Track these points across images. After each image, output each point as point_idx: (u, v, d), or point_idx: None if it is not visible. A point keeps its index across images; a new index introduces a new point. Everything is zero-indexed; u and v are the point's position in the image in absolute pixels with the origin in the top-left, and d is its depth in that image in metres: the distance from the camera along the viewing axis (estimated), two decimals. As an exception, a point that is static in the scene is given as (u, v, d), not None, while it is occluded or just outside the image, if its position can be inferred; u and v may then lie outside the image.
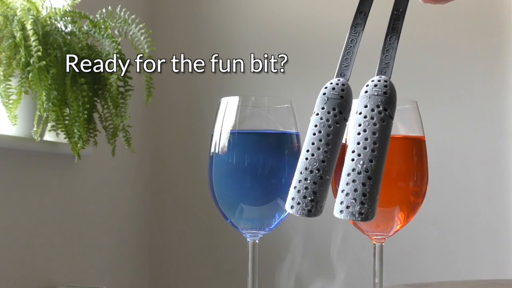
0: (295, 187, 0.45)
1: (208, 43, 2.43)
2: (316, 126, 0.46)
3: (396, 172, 0.68)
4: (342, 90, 0.46)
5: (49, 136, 1.76)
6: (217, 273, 2.37)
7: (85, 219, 2.01)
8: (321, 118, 0.46)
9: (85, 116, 1.63)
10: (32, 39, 1.50)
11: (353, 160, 0.43)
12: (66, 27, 1.67)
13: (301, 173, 0.44)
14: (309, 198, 0.44)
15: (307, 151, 0.45)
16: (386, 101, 0.45)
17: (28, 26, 1.50)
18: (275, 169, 0.67)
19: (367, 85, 0.46)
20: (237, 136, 0.68)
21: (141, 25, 1.71)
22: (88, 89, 1.64)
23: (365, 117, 0.44)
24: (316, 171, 0.44)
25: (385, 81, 0.45)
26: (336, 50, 2.14)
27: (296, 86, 2.27)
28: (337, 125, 0.45)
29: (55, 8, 1.65)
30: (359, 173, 0.43)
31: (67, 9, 1.65)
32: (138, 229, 2.36)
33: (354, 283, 2.23)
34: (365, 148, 0.43)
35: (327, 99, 0.46)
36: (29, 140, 1.63)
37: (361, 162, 0.43)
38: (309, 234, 2.29)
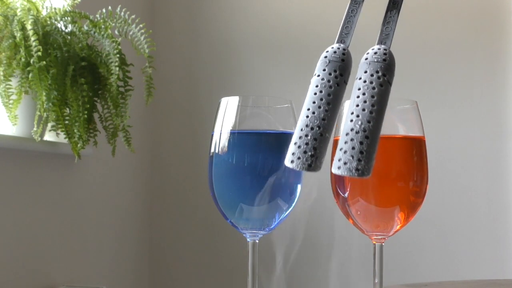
0: (295, 143, 0.46)
1: (208, 43, 2.43)
2: (317, 86, 0.47)
3: (396, 172, 0.68)
4: (343, 54, 0.49)
5: (49, 136, 1.76)
6: (217, 273, 2.37)
7: (85, 219, 2.01)
8: (322, 79, 0.48)
9: (85, 116, 1.63)
10: (32, 39, 1.50)
11: (351, 121, 0.45)
12: (66, 27, 1.67)
13: (301, 130, 0.46)
14: (309, 153, 0.46)
15: (308, 109, 0.47)
16: (385, 68, 0.47)
17: (28, 26, 1.51)
18: (275, 169, 0.67)
19: (368, 53, 0.48)
20: (237, 136, 0.68)
21: (141, 25, 1.71)
22: (88, 89, 1.64)
23: (365, 81, 0.47)
24: (317, 128, 0.46)
25: (385, 49, 0.48)
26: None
27: (296, 86, 2.27)
28: (337, 86, 0.47)
29: (55, 8, 1.65)
30: (357, 132, 0.45)
31: (67, 9, 1.65)
32: (138, 229, 2.36)
33: (354, 283, 2.23)
34: (363, 110, 0.46)
35: (329, 62, 0.48)
36: (29, 140, 1.63)
37: (359, 123, 0.45)
38: (309, 234, 2.29)
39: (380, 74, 0.47)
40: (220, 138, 0.68)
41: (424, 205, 0.70)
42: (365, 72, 0.47)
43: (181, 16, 2.47)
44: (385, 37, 0.50)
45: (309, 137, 0.46)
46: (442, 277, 2.15)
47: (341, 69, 0.48)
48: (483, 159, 2.19)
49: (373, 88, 0.46)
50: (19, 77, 1.55)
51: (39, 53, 1.49)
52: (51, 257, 1.84)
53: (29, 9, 1.56)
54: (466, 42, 2.23)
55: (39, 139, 1.60)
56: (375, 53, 0.48)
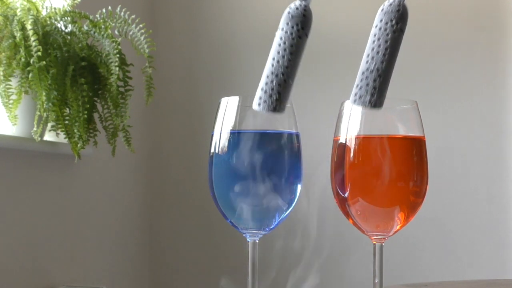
0: (262, 89, 0.53)
1: (208, 43, 2.43)
2: (281, 38, 0.53)
3: (396, 172, 0.68)
4: (304, 10, 0.53)
5: (49, 136, 1.76)
6: (217, 273, 2.37)
7: (85, 219, 2.01)
8: (286, 32, 0.53)
9: (85, 116, 1.62)
10: (32, 39, 1.50)
11: (367, 62, 0.53)
12: (66, 27, 1.67)
13: (267, 77, 0.52)
14: (275, 97, 0.52)
15: (273, 59, 0.53)
16: (399, 17, 0.53)
17: (28, 26, 1.50)
18: (275, 169, 0.67)
19: (384, 4, 0.54)
20: (237, 136, 0.68)
21: (141, 25, 1.71)
22: (88, 89, 1.64)
23: (380, 29, 0.53)
24: (281, 75, 0.52)
25: (399, 1, 0.53)
26: (337, 50, 2.15)
27: (296, 86, 2.27)
28: (299, 38, 0.53)
29: (55, 8, 1.65)
30: (371, 72, 0.52)
31: (67, 9, 1.65)
32: (138, 229, 2.36)
33: (354, 283, 2.23)
34: (378, 52, 0.52)
35: (292, 17, 0.53)
36: (29, 140, 1.63)
37: (374, 64, 0.52)
38: (309, 234, 2.29)
39: (393, 22, 0.52)
40: (220, 138, 0.68)
41: (424, 205, 0.70)
42: (381, 21, 0.53)
43: (181, 16, 2.47)
44: None
45: (274, 83, 0.52)
46: (442, 277, 2.15)
47: (302, 23, 0.53)
48: (483, 159, 2.19)
49: (387, 34, 0.52)
50: (19, 77, 1.55)
51: (39, 53, 1.49)
52: (51, 257, 1.84)
53: (29, 9, 1.56)
54: (466, 42, 2.23)
55: (39, 139, 1.60)
56: (390, 4, 0.54)
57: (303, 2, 0.54)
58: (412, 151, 0.70)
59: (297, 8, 0.53)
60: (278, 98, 0.52)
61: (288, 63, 0.52)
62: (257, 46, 2.36)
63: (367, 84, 0.52)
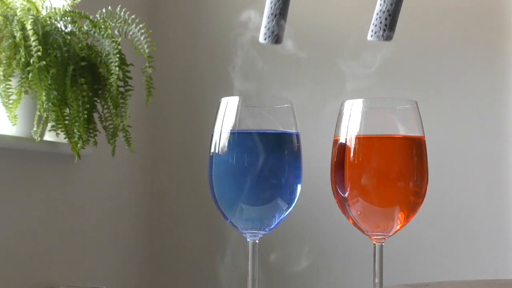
0: (265, 26, 0.70)
1: (208, 43, 2.43)
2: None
3: (396, 172, 0.68)
4: None
5: (49, 136, 1.76)
6: (217, 273, 2.37)
7: (85, 219, 2.01)
8: (268, 20, 0.68)
9: (85, 116, 1.63)
10: (32, 39, 1.50)
11: (380, 5, 0.65)
12: (66, 27, 1.67)
13: (268, 17, 0.68)
14: (275, 33, 0.68)
15: (271, 2, 0.68)
16: None
17: (28, 26, 1.50)
18: (275, 169, 0.67)
19: None
20: (237, 136, 0.68)
21: (141, 25, 1.71)
22: (88, 89, 1.64)
23: (380, 4, 0.65)
24: (279, 15, 0.67)
25: None
26: (336, 50, 2.15)
27: (296, 86, 2.27)
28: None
29: (55, 8, 1.65)
30: (383, 12, 0.64)
31: (67, 9, 1.65)
32: (138, 229, 2.36)
33: (354, 283, 2.24)
34: None
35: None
36: (29, 140, 1.63)
37: (385, 6, 0.64)
38: (309, 234, 2.29)
39: None
40: (220, 138, 0.68)
41: (424, 205, 0.70)
42: None
43: (181, 16, 2.47)
44: None
45: (274, 22, 0.67)
46: (442, 277, 2.15)
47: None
48: (483, 159, 2.19)
49: (388, 9, 0.64)
50: (19, 77, 1.55)
51: (39, 53, 1.49)
52: (51, 257, 1.84)
53: (29, 9, 1.56)
54: (466, 42, 2.23)
55: (39, 139, 1.60)
56: None
57: None
58: (412, 151, 0.70)
59: None
60: (277, 34, 0.66)
61: (282, 5, 0.66)
62: (257, 46, 2.35)
63: (380, 23, 0.64)
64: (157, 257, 2.42)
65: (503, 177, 2.17)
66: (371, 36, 0.65)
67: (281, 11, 0.66)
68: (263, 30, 0.68)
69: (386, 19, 0.64)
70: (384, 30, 0.64)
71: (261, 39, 0.66)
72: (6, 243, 1.65)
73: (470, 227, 2.18)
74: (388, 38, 0.64)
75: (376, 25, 0.65)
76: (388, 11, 0.64)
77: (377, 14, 0.65)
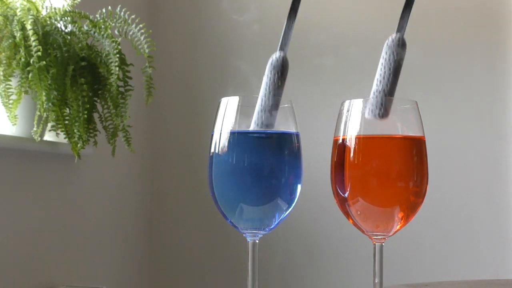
0: (254, 121, 0.68)
1: (208, 43, 2.43)
2: (266, 83, 0.70)
3: (396, 172, 0.68)
4: (283, 60, 0.70)
5: (49, 136, 1.76)
6: (217, 273, 2.37)
7: (85, 219, 2.01)
8: (269, 79, 0.69)
9: (85, 116, 1.62)
10: (32, 39, 1.50)
11: (376, 85, 0.69)
12: (66, 27, 1.67)
13: (258, 113, 0.68)
14: (264, 127, 0.69)
15: (263, 97, 0.69)
16: (399, 50, 0.69)
17: (28, 26, 1.50)
18: (275, 169, 0.67)
19: (388, 40, 0.70)
20: (237, 136, 0.68)
21: (141, 25, 1.71)
22: (88, 89, 1.64)
23: (385, 59, 0.69)
24: (268, 111, 0.69)
25: (399, 37, 0.70)
26: (336, 50, 2.14)
27: (296, 86, 2.27)
28: (279, 83, 0.69)
29: (55, 8, 1.65)
30: (379, 92, 0.69)
31: (67, 9, 1.65)
32: (138, 229, 2.36)
33: (354, 283, 2.24)
34: (384, 78, 0.69)
35: (273, 67, 0.70)
36: (29, 140, 1.63)
37: (381, 86, 0.69)
38: (309, 234, 2.29)
39: (395, 54, 0.69)
40: (220, 138, 0.68)
41: (424, 205, 0.70)
42: (386, 53, 0.69)
43: (181, 16, 2.47)
44: (400, 28, 0.70)
45: (263, 118, 0.67)
46: (442, 277, 2.15)
47: (281, 72, 0.69)
48: (483, 159, 2.19)
49: (390, 64, 0.68)
50: (19, 77, 1.55)
51: (39, 53, 1.49)
52: (51, 257, 1.84)
53: (29, 9, 1.56)
54: (466, 42, 2.23)
55: (39, 139, 1.60)
56: (393, 40, 0.70)
57: (282, 53, 0.71)
58: (412, 151, 0.70)
59: (277, 60, 0.70)
60: (265, 127, 0.68)
61: (272, 99, 0.68)
62: (257, 46, 2.36)
63: (377, 102, 0.68)
64: (157, 257, 2.42)
65: (503, 177, 2.17)
66: (368, 114, 0.69)
67: (271, 107, 0.68)
68: (252, 126, 0.68)
69: (382, 98, 0.68)
70: (380, 109, 0.68)
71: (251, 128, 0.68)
72: (6, 243, 1.65)
73: (470, 227, 2.18)
74: (385, 116, 0.68)
75: (373, 104, 0.69)
76: (384, 91, 0.68)
77: (374, 93, 0.69)
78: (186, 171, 2.41)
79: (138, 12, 1.92)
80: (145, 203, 2.40)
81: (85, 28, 1.69)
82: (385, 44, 0.70)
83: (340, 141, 0.70)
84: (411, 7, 0.73)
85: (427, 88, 2.23)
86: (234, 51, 2.40)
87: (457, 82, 2.24)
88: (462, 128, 2.21)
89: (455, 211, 2.19)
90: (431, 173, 0.70)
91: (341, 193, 0.69)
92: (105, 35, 1.66)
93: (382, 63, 0.69)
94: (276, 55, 0.70)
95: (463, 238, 2.18)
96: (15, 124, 1.54)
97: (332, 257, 2.27)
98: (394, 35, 0.70)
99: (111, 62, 1.64)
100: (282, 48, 0.71)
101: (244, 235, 0.69)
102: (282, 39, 0.72)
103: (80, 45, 1.65)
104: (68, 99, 1.61)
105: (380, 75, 0.69)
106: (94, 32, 1.67)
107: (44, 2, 1.66)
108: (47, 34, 1.59)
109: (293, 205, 0.69)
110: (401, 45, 0.69)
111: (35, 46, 1.49)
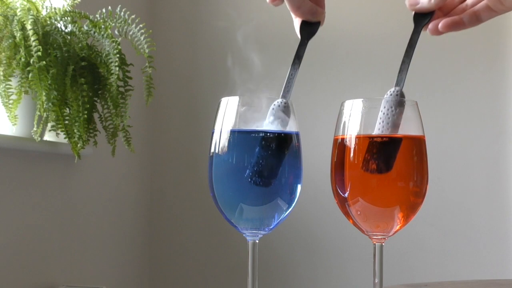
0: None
1: (208, 43, 2.43)
2: (269, 129, 0.69)
3: (396, 172, 0.68)
4: (285, 107, 0.69)
5: (49, 136, 1.76)
6: (217, 273, 2.37)
7: (85, 219, 2.01)
8: (272, 124, 0.68)
9: (85, 116, 1.62)
10: (32, 39, 1.50)
11: (383, 113, 0.69)
12: (66, 27, 1.67)
13: (257, 156, 0.66)
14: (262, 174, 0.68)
15: (261, 142, 0.67)
16: (397, 104, 0.69)
17: (28, 26, 1.50)
18: (275, 169, 0.67)
19: (387, 94, 0.70)
20: (237, 136, 0.68)
21: (141, 25, 1.71)
22: (88, 89, 1.64)
23: (384, 113, 0.68)
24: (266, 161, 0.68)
25: (397, 91, 0.70)
26: (336, 50, 2.15)
27: (296, 86, 2.27)
28: (281, 127, 0.68)
29: (55, 8, 1.65)
30: (386, 122, 0.68)
31: (67, 9, 1.65)
32: (138, 229, 2.36)
33: (354, 283, 2.24)
34: (383, 132, 0.68)
35: (275, 112, 0.68)
36: (29, 140, 1.63)
37: (388, 116, 0.68)
38: (309, 234, 2.29)
39: (393, 108, 0.68)
40: (220, 138, 0.68)
41: (424, 205, 0.70)
42: (385, 107, 0.68)
43: (181, 16, 2.47)
44: (399, 81, 0.70)
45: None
46: (442, 277, 2.15)
47: (282, 118, 0.68)
48: (483, 159, 2.19)
49: (389, 117, 0.68)
50: (19, 77, 1.55)
51: (39, 53, 1.49)
52: (51, 257, 1.84)
53: (29, 9, 1.56)
54: (466, 42, 2.23)
55: (39, 139, 1.60)
56: (391, 94, 0.69)
57: (284, 100, 0.69)
58: (412, 151, 0.70)
59: (279, 105, 0.68)
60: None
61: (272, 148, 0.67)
62: (257, 46, 2.35)
63: (383, 129, 0.68)
64: (157, 257, 2.42)
65: (503, 177, 2.17)
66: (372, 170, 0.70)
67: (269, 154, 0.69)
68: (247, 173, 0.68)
69: (388, 129, 0.68)
70: (383, 163, 0.68)
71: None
72: (6, 243, 1.65)
73: (470, 227, 2.18)
74: (386, 171, 0.69)
75: (379, 129, 0.69)
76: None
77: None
78: (186, 171, 2.41)
79: (138, 12, 1.92)
80: (145, 203, 2.40)
81: (85, 28, 1.69)
82: (384, 98, 0.69)
83: (340, 141, 0.70)
84: (410, 61, 0.75)
85: (427, 88, 2.23)
86: (234, 51, 2.40)
87: (457, 82, 2.24)
88: (462, 128, 2.21)
89: (455, 211, 2.19)
90: (431, 173, 0.70)
91: (341, 193, 0.69)
92: (105, 35, 1.66)
93: (381, 117, 0.69)
94: (278, 101, 0.69)
95: (463, 238, 2.17)
96: (15, 124, 1.54)
97: (332, 257, 2.27)
98: (392, 89, 0.70)
99: (111, 62, 1.64)
100: (284, 96, 0.70)
101: (244, 235, 0.69)
102: (285, 87, 0.72)
103: (80, 45, 1.65)
104: (68, 99, 1.61)
105: (379, 129, 0.68)
106: (94, 32, 1.67)
107: (44, 2, 1.66)
108: (47, 34, 1.59)
109: (293, 205, 0.69)
110: (399, 98, 0.69)
111: (35, 46, 1.49)
